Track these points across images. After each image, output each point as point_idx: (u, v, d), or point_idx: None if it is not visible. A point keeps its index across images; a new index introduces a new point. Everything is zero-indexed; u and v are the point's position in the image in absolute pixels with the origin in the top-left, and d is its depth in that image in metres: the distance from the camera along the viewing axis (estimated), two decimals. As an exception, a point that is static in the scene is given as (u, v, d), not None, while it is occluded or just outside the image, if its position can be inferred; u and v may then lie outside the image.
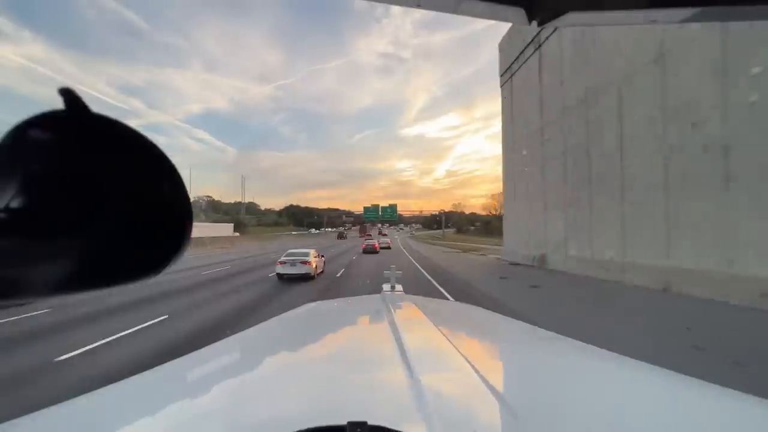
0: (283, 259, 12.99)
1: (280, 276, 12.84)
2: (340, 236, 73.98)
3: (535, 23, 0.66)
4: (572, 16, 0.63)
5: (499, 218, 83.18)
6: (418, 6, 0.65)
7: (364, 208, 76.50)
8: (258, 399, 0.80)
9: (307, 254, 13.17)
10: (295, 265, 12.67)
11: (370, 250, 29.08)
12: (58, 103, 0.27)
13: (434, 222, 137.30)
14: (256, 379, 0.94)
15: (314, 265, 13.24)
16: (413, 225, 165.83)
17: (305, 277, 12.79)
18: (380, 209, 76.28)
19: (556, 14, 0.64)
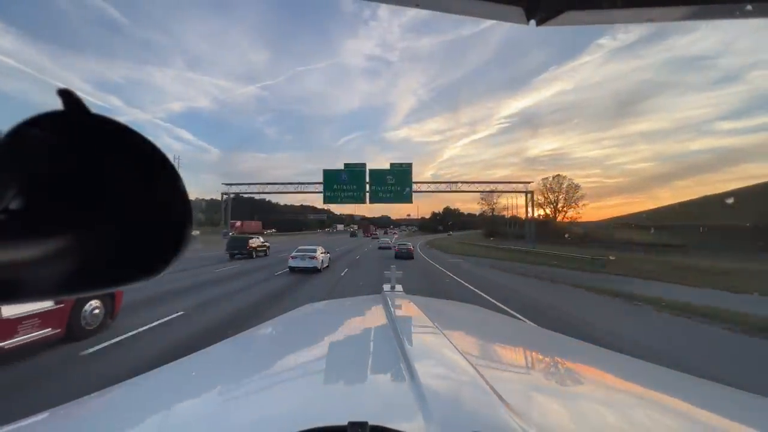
0: (294, 254, 15.00)
1: (291, 269, 14.61)
2: (353, 235, 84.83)
3: (533, 22, 0.66)
4: (571, 15, 0.63)
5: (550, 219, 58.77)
6: (417, 6, 0.65)
7: (325, 172, 30.05)
8: (259, 399, 0.81)
9: (314, 250, 15.24)
10: (304, 260, 14.59)
11: (404, 255, 23.46)
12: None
13: (438, 223, 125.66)
14: (258, 380, 0.94)
15: (320, 260, 15.16)
16: (411, 227, 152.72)
17: (313, 270, 14.58)
18: (367, 174, 30.17)
19: (555, 13, 0.64)
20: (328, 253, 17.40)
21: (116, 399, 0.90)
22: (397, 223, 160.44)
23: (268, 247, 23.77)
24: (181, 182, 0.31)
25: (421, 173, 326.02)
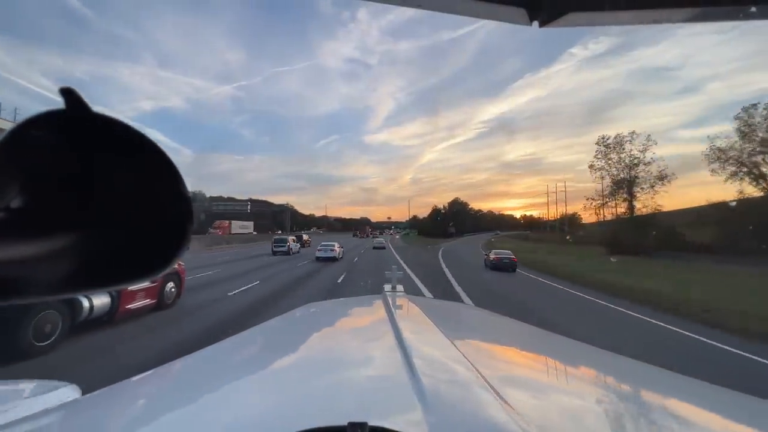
0: (319, 247, 23.33)
1: (317, 258, 21.98)
2: (355, 235, 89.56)
3: (536, 23, 0.66)
4: (574, 16, 0.63)
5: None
6: (419, 6, 0.65)
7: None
8: (259, 399, 0.81)
9: (333, 245, 23.10)
10: (326, 252, 22.41)
11: (506, 265, 18.87)
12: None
13: (439, 224, 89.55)
14: (257, 380, 0.95)
15: (338, 252, 22.97)
16: (405, 229, 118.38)
17: (333, 259, 22.04)
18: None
19: (558, 14, 0.64)
20: (342, 247, 25.66)
21: (115, 398, 0.90)
22: (379, 225, 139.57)
23: (311, 241, 42.06)
24: (182, 182, 0.31)
25: (400, 177, 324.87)
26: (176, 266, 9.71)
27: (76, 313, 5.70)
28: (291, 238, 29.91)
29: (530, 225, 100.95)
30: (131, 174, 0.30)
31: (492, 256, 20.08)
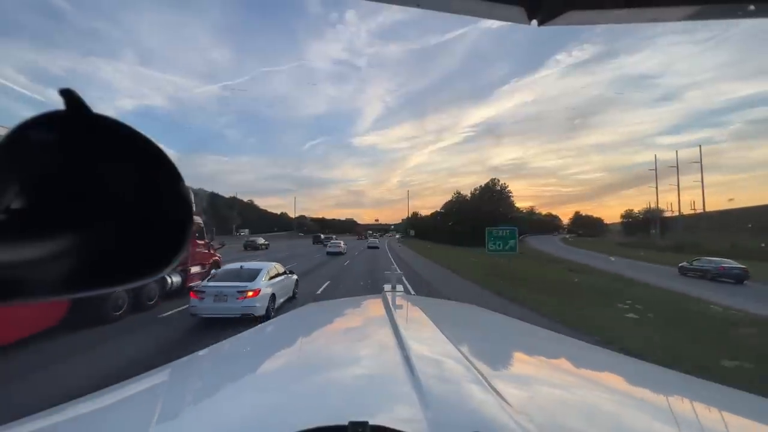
0: (329, 244, 32.55)
1: (328, 253, 29.53)
2: (358, 238, 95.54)
3: (535, 22, 0.65)
4: (574, 15, 0.62)
5: None
6: (418, 6, 0.64)
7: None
8: (260, 399, 0.81)
9: (339, 242, 32.65)
10: (335, 248, 30.62)
11: (736, 274, 16.87)
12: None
13: (446, 221, 60.49)
14: (259, 379, 0.95)
15: (343, 248, 31.36)
16: (395, 231, 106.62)
17: (340, 253, 29.77)
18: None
19: (557, 13, 0.63)
20: (346, 245, 34.69)
21: (117, 398, 0.90)
22: (367, 228, 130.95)
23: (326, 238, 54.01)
24: (182, 182, 0.31)
25: (388, 180, 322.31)
26: (217, 257, 12.20)
27: (164, 286, 9.07)
28: (332, 236, 49.09)
29: (573, 225, 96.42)
30: (132, 174, 0.30)
31: (711, 265, 18.25)
